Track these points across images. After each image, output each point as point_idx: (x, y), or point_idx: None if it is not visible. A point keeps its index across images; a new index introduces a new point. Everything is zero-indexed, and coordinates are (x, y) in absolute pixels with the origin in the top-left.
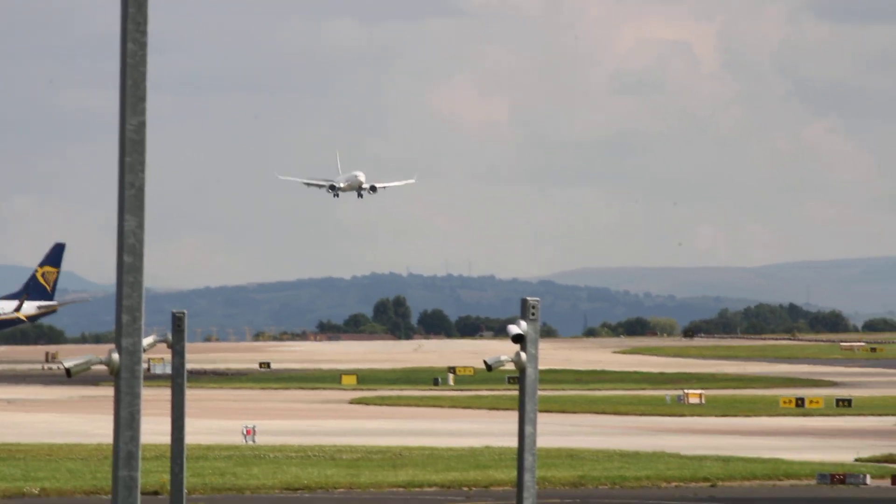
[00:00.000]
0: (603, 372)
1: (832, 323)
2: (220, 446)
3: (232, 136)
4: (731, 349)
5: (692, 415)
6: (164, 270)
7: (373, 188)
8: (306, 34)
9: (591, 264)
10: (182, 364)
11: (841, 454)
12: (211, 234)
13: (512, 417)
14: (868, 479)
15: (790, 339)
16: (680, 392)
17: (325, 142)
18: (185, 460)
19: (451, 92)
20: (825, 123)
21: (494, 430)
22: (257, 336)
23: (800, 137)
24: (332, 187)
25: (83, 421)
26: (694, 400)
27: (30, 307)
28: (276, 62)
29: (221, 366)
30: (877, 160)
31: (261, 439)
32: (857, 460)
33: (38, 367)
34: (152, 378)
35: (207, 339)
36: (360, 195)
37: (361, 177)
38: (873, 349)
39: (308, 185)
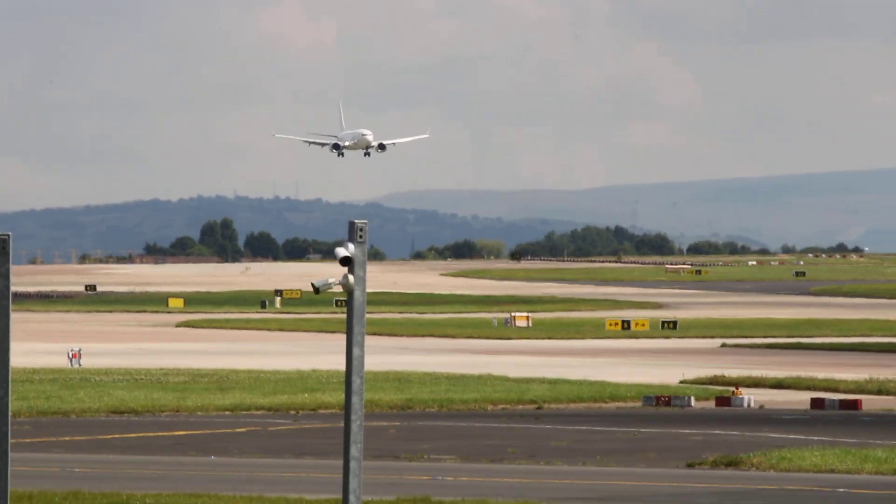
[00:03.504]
0: (430, 295)
1: (658, 245)
2: (46, 369)
3: (57, 56)
4: (558, 272)
5: (519, 337)
6: None
7: (381, 146)
8: None
9: (419, 187)
10: (7, 286)
11: (666, 376)
12: (35, 155)
13: (340, 340)
14: (692, 401)
15: (616, 262)
16: (507, 315)
17: (152, 67)
18: (10, 383)
19: (279, 15)
20: (651, 46)
21: (322, 353)
22: (83, 259)
23: (626, 60)
24: (336, 146)
25: None
26: (521, 323)
27: None
28: None
29: (47, 288)
30: (702, 84)
31: (87, 362)
32: (681, 382)
33: None
34: None
35: (32, 262)
36: (367, 154)
37: (369, 136)
38: (698, 271)
39: (309, 143)
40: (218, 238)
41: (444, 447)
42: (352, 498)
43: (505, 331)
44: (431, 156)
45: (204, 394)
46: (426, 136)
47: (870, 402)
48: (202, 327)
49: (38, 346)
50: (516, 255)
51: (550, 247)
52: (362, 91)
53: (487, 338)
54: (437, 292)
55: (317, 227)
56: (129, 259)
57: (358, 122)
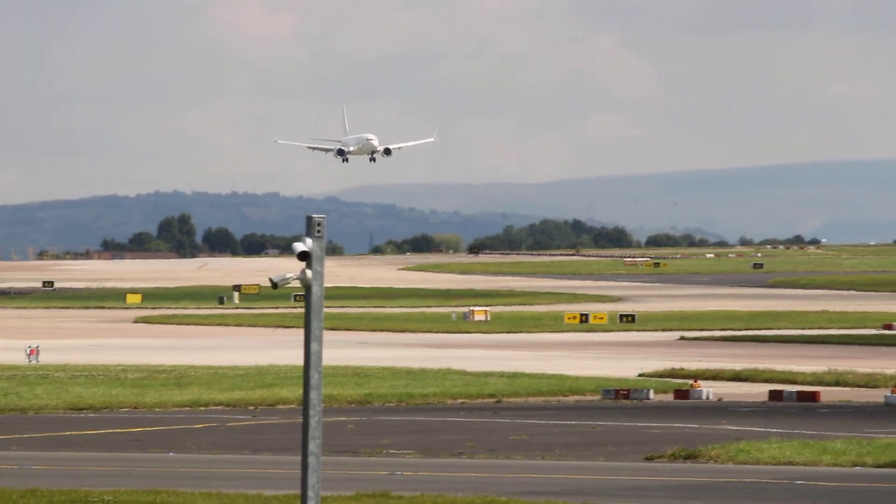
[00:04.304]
0: (389, 289)
1: (616, 238)
2: (3, 366)
3: (13, 50)
4: (517, 265)
5: (478, 331)
6: None
7: (387, 151)
8: None
9: (376, 181)
10: None
11: (625, 369)
12: None
13: (298, 335)
14: (651, 394)
15: (575, 255)
16: (466, 309)
17: (109, 61)
18: None
19: (238, 8)
20: (610, 38)
21: (280, 348)
22: (40, 255)
23: (584, 53)
24: (341, 152)
25: None
26: (479, 317)
27: None
28: None
29: (4, 285)
30: (661, 77)
31: (44, 358)
32: (640, 375)
33: None
34: None
35: None
36: (372, 159)
37: (375, 141)
38: (656, 264)
39: (312, 149)
40: (175, 234)
41: (404, 442)
42: (310, 493)
43: (463, 325)
44: None
45: (162, 390)
46: (432, 139)
47: (828, 394)
48: (160, 323)
49: None
50: (475, 248)
51: (509, 240)
52: (321, 84)
53: (446, 332)
54: (395, 286)
55: (275, 222)
56: (86, 255)
57: (317, 116)
